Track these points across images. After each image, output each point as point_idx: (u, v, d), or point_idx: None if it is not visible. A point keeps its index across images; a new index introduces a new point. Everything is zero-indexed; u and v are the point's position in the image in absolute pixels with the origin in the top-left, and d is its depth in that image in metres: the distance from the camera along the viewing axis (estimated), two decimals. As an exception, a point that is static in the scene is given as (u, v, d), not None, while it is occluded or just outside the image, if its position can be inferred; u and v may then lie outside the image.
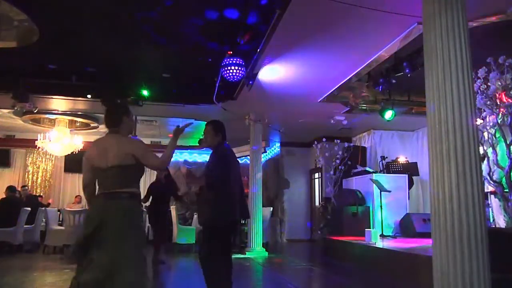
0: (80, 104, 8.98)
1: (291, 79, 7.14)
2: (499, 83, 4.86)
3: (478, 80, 4.96)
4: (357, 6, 4.42)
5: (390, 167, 9.26)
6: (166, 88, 8.14)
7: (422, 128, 10.13)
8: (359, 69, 6.61)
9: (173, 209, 9.33)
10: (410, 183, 9.13)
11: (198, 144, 4.22)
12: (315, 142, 10.44)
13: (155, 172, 8.25)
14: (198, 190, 3.89)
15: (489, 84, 4.94)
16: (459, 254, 3.02)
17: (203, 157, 13.92)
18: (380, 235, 7.43)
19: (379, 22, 4.96)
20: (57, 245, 8.70)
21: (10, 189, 9.39)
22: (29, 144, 11.38)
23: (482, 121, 5.13)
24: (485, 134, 5.17)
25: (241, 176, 4.01)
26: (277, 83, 7.31)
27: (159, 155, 3.08)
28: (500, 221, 5.38)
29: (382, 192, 8.00)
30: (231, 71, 6.04)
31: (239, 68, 6.06)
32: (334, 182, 9.74)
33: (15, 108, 8.57)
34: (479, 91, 4.99)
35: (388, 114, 7.95)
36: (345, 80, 7.12)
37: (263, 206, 9.46)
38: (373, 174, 8.81)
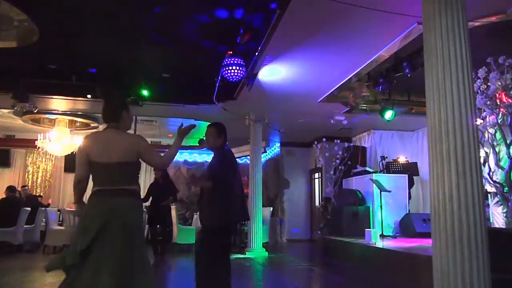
0: (80, 104, 8.98)
1: (291, 79, 7.13)
2: (499, 83, 4.86)
3: (478, 80, 4.97)
4: (357, 6, 4.41)
5: (390, 167, 9.26)
6: (166, 88, 8.15)
7: (422, 128, 10.12)
8: (359, 69, 6.61)
9: (173, 209, 9.32)
10: (410, 183, 9.13)
11: (198, 144, 4.23)
12: (315, 142, 10.45)
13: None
14: (199, 191, 3.90)
15: (489, 84, 4.95)
16: (459, 254, 3.01)
17: (203, 157, 13.95)
18: (380, 235, 7.44)
19: (379, 22, 4.96)
20: (57, 245, 8.69)
21: (10, 189, 9.39)
22: (29, 144, 11.39)
23: (482, 121, 5.13)
24: (485, 134, 5.17)
25: (241, 177, 4.02)
26: (277, 83, 7.31)
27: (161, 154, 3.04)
28: (499, 221, 5.38)
29: (382, 192, 8.01)
30: (231, 71, 6.05)
31: (240, 68, 6.07)
32: (334, 182, 9.73)
33: (15, 108, 8.57)
34: (479, 91, 4.99)
35: (388, 114, 7.96)
36: (345, 80, 7.11)
37: (263, 206, 9.46)
38: (373, 174, 8.80)
